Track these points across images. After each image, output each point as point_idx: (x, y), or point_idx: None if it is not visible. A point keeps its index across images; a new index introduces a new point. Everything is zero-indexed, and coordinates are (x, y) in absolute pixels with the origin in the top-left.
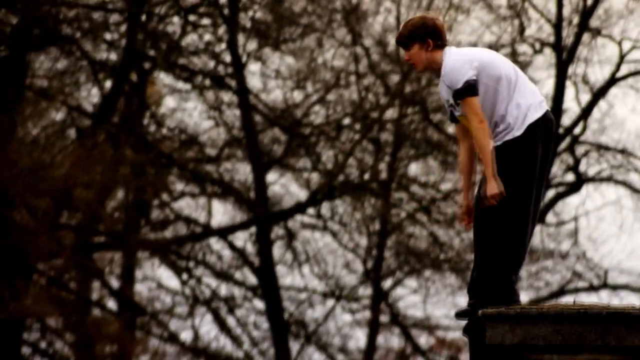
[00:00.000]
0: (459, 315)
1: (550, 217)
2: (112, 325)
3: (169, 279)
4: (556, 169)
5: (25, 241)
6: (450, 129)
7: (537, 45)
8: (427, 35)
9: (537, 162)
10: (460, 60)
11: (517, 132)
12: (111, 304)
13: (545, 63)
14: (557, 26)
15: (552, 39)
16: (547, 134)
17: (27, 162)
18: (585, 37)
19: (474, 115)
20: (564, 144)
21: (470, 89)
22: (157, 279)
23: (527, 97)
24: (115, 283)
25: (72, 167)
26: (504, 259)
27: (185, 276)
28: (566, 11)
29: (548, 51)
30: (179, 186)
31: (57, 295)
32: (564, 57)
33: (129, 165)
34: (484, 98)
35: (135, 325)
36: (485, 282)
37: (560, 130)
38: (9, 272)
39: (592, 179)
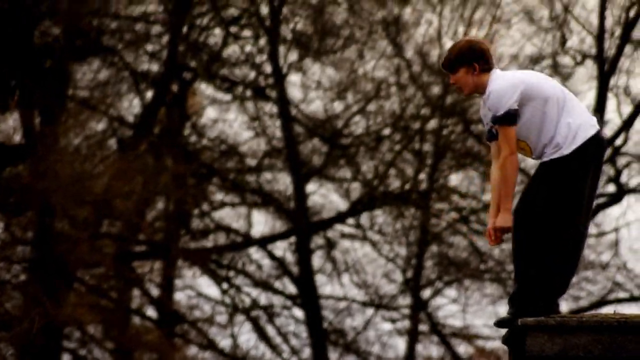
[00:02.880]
0: (499, 324)
1: (591, 228)
2: (152, 334)
3: (209, 287)
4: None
5: (66, 250)
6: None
7: (579, 57)
8: (473, 59)
9: (586, 182)
10: (505, 86)
11: (566, 151)
12: (151, 312)
13: (586, 75)
14: (599, 38)
15: (593, 50)
16: (598, 154)
17: (69, 172)
18: (627, 48)
19: (506, 145)
20: (606, 155)
21: (509, 118)
22: (196, 287)
23: (576, 117)
24: (155, 291)
25: (113, 177)
26: (550, 276)
27: (225, 285)
28: (608, 23)
29: (590, 63)
30: (219, 196)
31: (97, 303)
32: (606, 69)
33: (169, 175)
34: (532, 120)
35: (174, 333)
36: (528, 296)
37: (606, 140)
38: (50, 280)
39: (633, 190)
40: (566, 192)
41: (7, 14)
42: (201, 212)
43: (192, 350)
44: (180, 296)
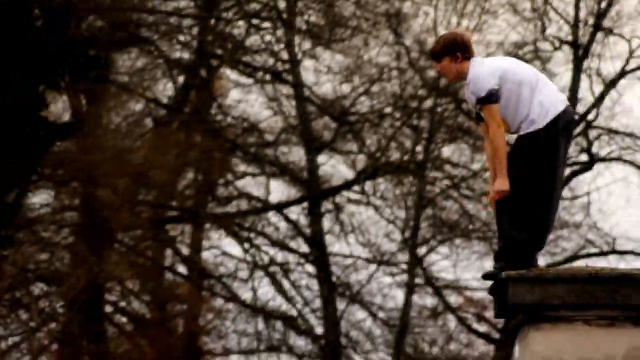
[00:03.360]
0: (486, 277)
1: (565, 192)
2: (182, 287)
3: (232, 247)
4: (571, 150)
5: (108, 215)
6: None
7: (557, 43)
8: (456, 49)
9: (559, 151)
10: (484, 71)
11: (540, 125)
12: (181, 269)
13: (563, 59)
14: (575, 26)
15: (569, 37)
16: (567, 125)
17: (111, 147)
18: (599, 35)
19: (493, 121)
20: (578, 129)
21: (490, 97)
22: (221, 247)
23: (548, 95)
24: (185, 251)
25: (149, 151)
26: (529, 235)
27: (246, 245)
28: (582, 13)
29: (566, 48)
30: (241, 167)
31: (135, 262)
32: (580, 54)
33: (198, 149)
34: (508, 102)
35: (202, 287)
36: (510, 253)
37: (576, 117)
38: (94, 242)
39: (602, 159)
40: (541, 160)
41: (58, 10)
42: (226, 182)
43: (218, 301)
44: (207, 255)
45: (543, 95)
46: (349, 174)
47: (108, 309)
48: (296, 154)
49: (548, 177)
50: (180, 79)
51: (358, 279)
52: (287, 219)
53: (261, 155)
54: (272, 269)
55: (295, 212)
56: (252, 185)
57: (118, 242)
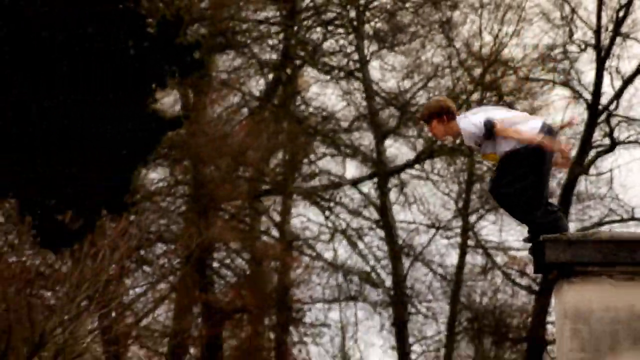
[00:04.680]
0: (526, 240)
1: (591, 170)
2: (275, 248)
3: (315, 215)
4: (596, 134)
5: (213, 188)
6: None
7: (582, 46)
8: (442, 113)
9: (546, 156)
10: (470, 119)
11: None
12: (274, 233)
13: (588, 59)
14: (597, 32)
15: (593, 41)
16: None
17: (214, 132)
18: (618, 39)
19: (506, 132)
20: (602, 117)
21: (489, 124)
22: (307, 215)
23: (524, 125)
24: (277, 218)
25: (245, 136)
26: (541, 213)
27: (327, 213)
28: (604, 21)
29: (590, 50)
30: (321, 149)
31: (236, 227)
32: (602, 55)
33: (285, 135)
34: (495, 140)
35: (292, 247)
36: (538, 232)
37: (600, 107)
38: (202, 210)
39: (622, 142)
40: (531, 164)
41: (169, 21)
42: (309, 161)
43: (305, 259)
44: (295, 221)
45: (521, 126)
46: (411, 155)
47: (215, 265)
48: (366, 138)
49: (541, 175)
50: (270, 76)
51: (420, 241)
52: (360, 192)
53: (337, 140)
54: (349, 233)
55: (367, 187)
56: (331, 164)
57: (222, 211)
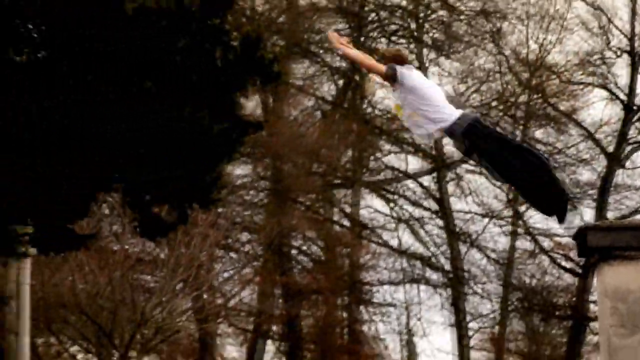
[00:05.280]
0: (567, 226)
1: (628, 163)
2: (346, 236)
3: (382, 206)
4: (632, 131)
5: (291, 182)
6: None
7: (618, 52)
8: (395, 61)
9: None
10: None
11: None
12: (345, 222)
13: (623, 63)
14: (631, 39)
15: (628, 47)
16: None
17: (291, 133)
18: None
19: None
20: (637, 116)
21: (391, 70)
22: (374, 206)
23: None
24: (347, 209)
25: (319, 136)
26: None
27: (391, 204)
28: (637, 29)
29: (625, 56)
30: (386, 146)
31: (311, 217)
32: (636, 59)
33: (354, 134)
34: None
35: (361, 236)
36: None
37: (635, 107)
38: (281, 202)
39: None
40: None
41: (250, 37)
42: (375, 157)
43: (372, 246)
44: (363, 212)
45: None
46: None
47: (293, 251)
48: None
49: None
50: (340, 82)
51: (475, 229)
52: (420, 185)
53: (401, 138)
54: (411, 222)
55: (427, 180)
56: (394, 160)
57: (299, 202)
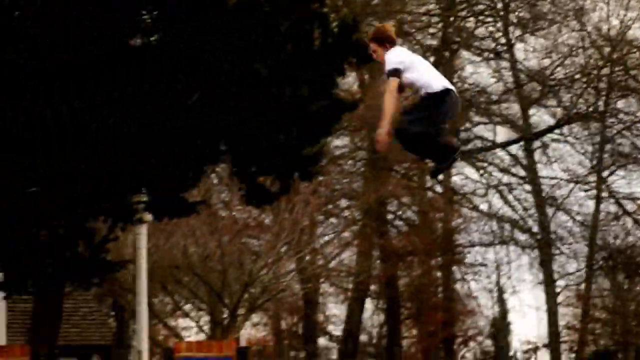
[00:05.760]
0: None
1: None
2: (439, 201)
3: (472, 173)
4: None
5: (387, 152)
6: None
7: None
8: (382, 39)
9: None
10: (389, 56)
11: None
12: (438, 189)
13: None
14: None
15: None
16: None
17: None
18: None
19: (387, 92)
20: None
21: (390, 74)
22: (465, 173)
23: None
24: (440, 176)
25: None
26: None
27: (482, 171)
28: None
29: None
30: (476, 118)
31: (407, 184)
32: None
33: None
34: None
35: (453, 201)
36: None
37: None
38: (378, 170)
39: None
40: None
41: (347, 21)
42: (465, 128)
43: (464, 211)
44: (455, 179)
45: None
46: (551, 121)
47: (390, 216)
48: (513, 108)
49: None
50: (431, 59)
51: (561, 193)
52: (509, 154)
53: (489, 110)
54: (500, 187)
55: (515, 148)
56: (484, 130)
57: (394, 171)
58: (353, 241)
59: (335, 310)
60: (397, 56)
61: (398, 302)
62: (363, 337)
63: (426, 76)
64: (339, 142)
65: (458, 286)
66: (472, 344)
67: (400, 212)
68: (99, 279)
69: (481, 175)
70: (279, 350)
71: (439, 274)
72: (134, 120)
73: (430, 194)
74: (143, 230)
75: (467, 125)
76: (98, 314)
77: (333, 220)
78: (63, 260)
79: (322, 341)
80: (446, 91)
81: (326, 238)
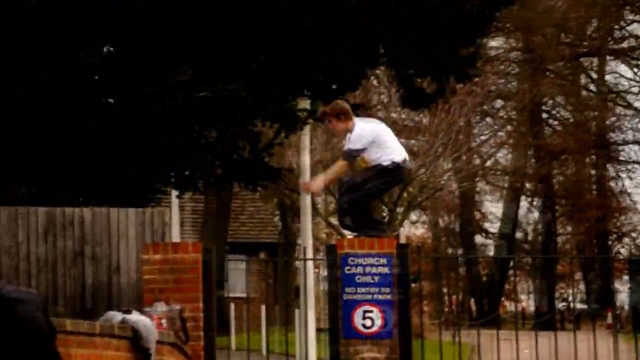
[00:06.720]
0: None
1: None
2: (593, 100)
3: (626, 71)
4: None
5: (541, 52)
6: None
7: None
8: (340, 114)
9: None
10: (354, 132)
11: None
12: (592, 87)
13: None
14: None
15: None
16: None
17: (540, 6)
18: None
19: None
20: None
21: (348, 155)
22: (619, 71)
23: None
24: (594, 75)
25: (567, 8)
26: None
27: (635, 69)
28: None
29: None
30: (630, 16)
31: (561, 83)
32: None
33: (600, 5)
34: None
35: (607, 99)
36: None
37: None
38: (532, 70)
39: None
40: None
41: None
42: (619, 27)
43: (618, 108)
44: (609, 77)
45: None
46: None
47: (544, 115)
48: None
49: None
50: None
51: None
52: None
53: None
54: None
55: None
56: (638, 28)
57: (549, 71)
58: (508, 140)
59: (491, 207)
60: (362, 137)
61: (553, 200)
62: (518, 234)
63: (383, 154)
64: (494, 43)
65: (612, 183)
66: (626, 239)
67: (554, 111)
68: (263, 182)
69: (635, 73)
70: (437, 247)
71: (593, 171)
72: (304, 27)
73: (584, 92)
74: (306, 130)
75: (622, 23)
76: (264, 213)
77: (488, 120)
78: (230, 162)
79: (478, 238)
80: (395, 165)
81: (482, 138)
